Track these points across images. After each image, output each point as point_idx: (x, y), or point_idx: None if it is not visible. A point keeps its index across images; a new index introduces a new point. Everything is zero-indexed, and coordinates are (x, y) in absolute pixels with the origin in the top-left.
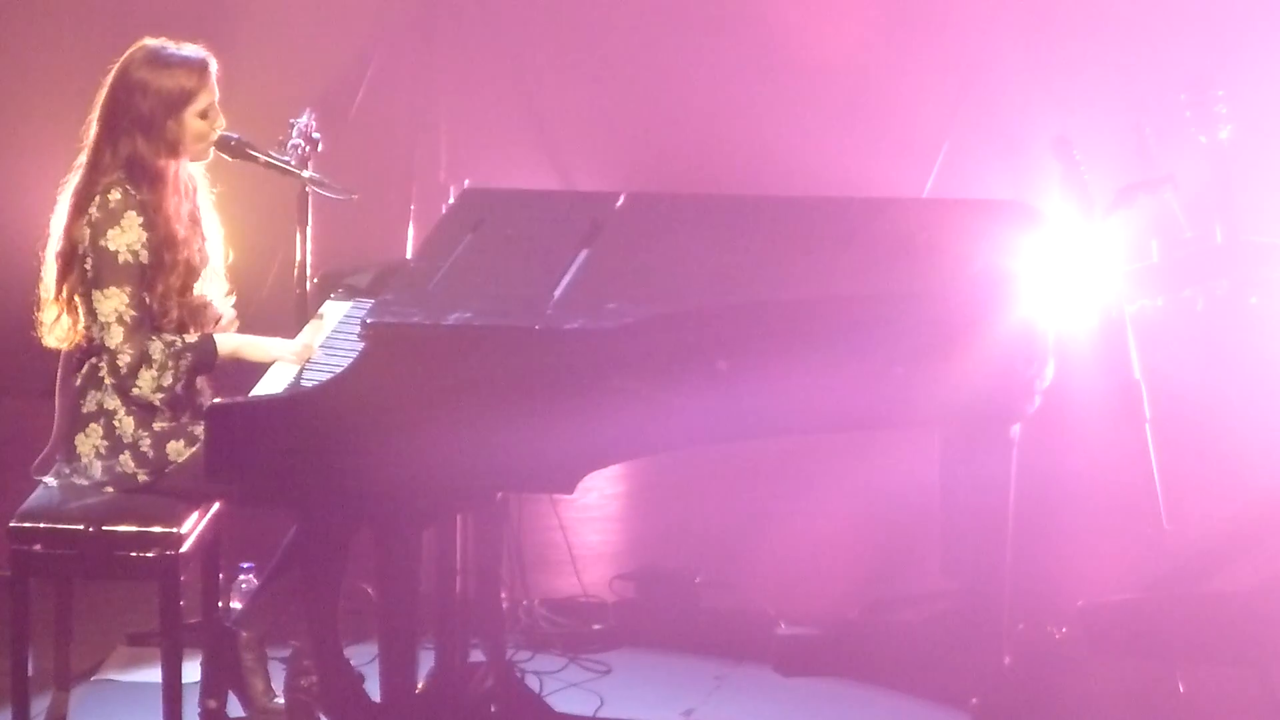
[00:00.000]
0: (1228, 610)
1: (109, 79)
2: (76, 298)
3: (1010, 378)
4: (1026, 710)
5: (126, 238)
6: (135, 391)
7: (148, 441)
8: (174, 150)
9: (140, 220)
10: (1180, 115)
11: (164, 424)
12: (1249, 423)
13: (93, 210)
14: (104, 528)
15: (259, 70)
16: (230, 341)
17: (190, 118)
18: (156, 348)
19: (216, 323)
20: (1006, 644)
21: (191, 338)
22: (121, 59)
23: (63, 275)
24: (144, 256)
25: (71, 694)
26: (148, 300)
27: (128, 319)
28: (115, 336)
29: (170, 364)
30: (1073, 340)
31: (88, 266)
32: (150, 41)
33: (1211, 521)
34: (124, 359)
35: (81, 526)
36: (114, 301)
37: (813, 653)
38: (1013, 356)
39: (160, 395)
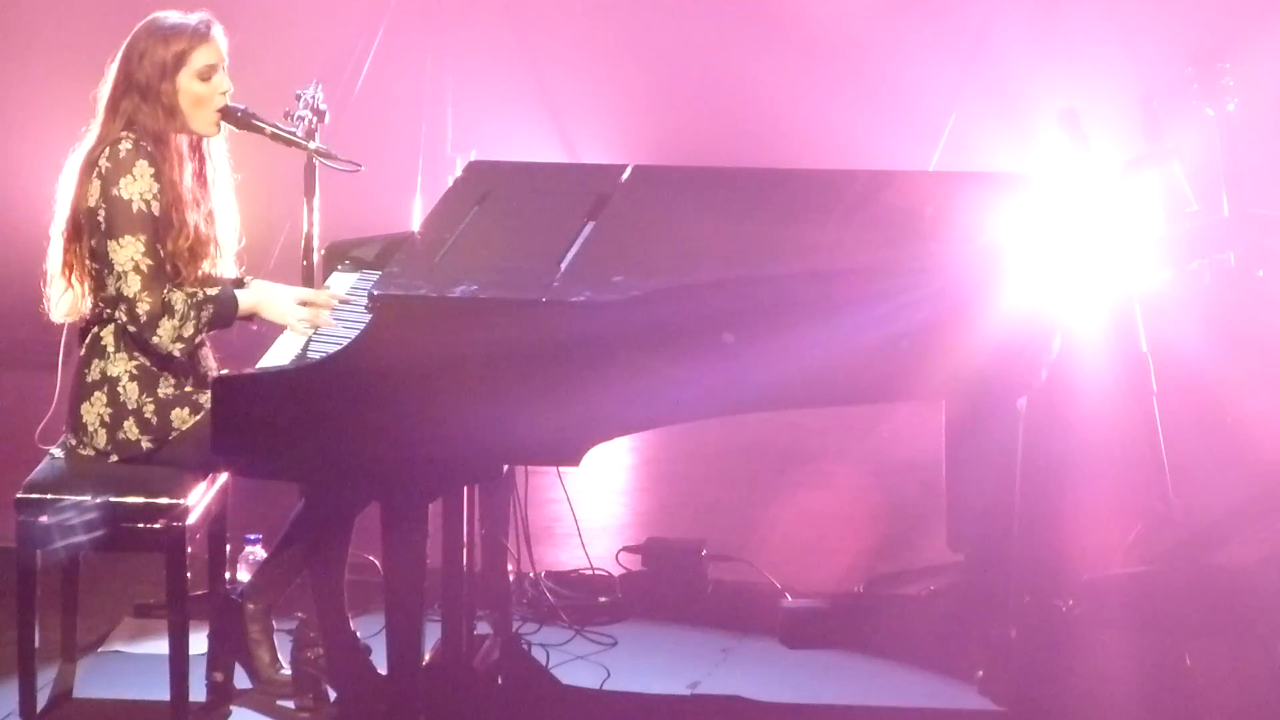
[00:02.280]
0: (1233, 583)
1: (118, 53)
2: (87, 260)
3: (1016, 351)
4: (1031, 683)
5: (139, 186)
6: (155, 340)
7: (151, 408)
8: (172, 113)
9: (151, 171)
10: (1187, 88)
11: (168, 391)
12: (1255, 395)
13: (103, 163)
14: (111, 499)
15: (266, 41)
16: (251, 297)
17: (186, 80)
18: (178, 298)
19: None
20: (1012, 617)
21: (213, 290)
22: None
23: (70, 244)
24: (155, 208)
25: (78, 665)
26: (161, 254)
27: (144, 267)
28: (133, 285)
29: (192, 314)
30: (1079, 314)
31: (100, 219)
32: (158, 13)
33: (1217, 494)
34: (143, 307)
35: (88, 498)
36: (130, 250)
37: (819, 625)
38: (1019, 329)
39: (179, 345)
